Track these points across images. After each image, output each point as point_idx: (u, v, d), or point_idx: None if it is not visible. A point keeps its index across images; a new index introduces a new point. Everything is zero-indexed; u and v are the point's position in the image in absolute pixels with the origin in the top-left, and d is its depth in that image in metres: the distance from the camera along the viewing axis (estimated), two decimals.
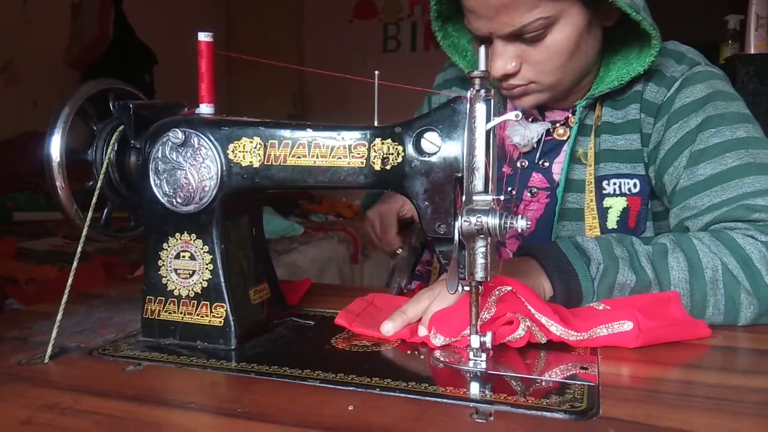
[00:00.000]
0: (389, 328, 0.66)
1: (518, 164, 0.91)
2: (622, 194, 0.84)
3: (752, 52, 2.59)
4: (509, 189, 0.91)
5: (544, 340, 0.62)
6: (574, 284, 0.69)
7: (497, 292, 0.63)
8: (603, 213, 0.83)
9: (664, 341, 0.64)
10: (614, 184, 0.84)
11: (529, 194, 0.90)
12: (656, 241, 0.74)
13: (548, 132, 0.89)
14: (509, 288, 0.63)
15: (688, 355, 0.63)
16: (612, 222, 0.83)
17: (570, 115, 0.88)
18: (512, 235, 0.90)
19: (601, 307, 0.66)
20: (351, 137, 0.59)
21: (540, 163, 0.90)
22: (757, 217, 0.73)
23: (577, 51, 0.77)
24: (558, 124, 0.89)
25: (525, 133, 0.88)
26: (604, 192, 0.83)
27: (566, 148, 0.87)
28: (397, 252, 0.86)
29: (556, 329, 0.62)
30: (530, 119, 0.91)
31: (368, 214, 1.00)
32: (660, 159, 0.82)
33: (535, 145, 0.89)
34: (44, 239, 2.33)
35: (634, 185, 0.83)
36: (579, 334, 0.62)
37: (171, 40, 4.18)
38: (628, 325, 0.62)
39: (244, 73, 4.88)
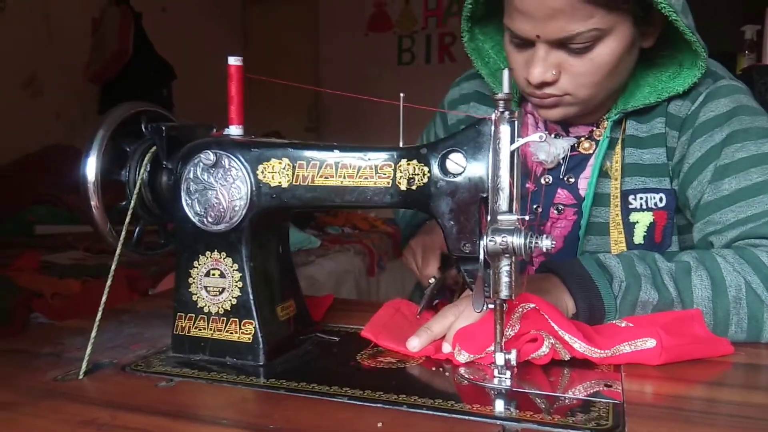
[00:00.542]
0: (415, 344, 0.67)
1: (542, 181, 0.90)
2: (648, 209, 0.83)
3: None
4: (534, 207, 0.90)
5: (567, 357, 0.63)
6: (597, 302, 0.70)
7: (521, 309, 0.64)
8: (629, 228, 0.83)
9: (686, 359, 0.64)
10: (641, 198, 0.83)
11: (555, 211, 0.89)
12: (679, 258, 0.74)
13: (573, 147, 0.88)
14: (532, 305, 0.64)
15: (711, 372, 0.64)
16: (639, 237, 0.83)
17: (594, 128, 0.88)
18: (540, 253, 0.90)
19: (623, 324, 0.67)
20: (377, 158, 0.61)
21: (565, 179, 0.89)
22: None
23: (617, 68, 0.78)
24: (583, 138, 0.89)
25: (550, 150, 0.87)
26: (630, 207, 0.83)
27: (593, 161, 0.86)
28: (430, 282, 0.85)
29: (580, 346, 0.62)
30: (553, 135, 0.90)
31: (411, 243, 0.98)
32: (684, 173, 0.81)
33: (561, 161, 0.89)
34: (66, 252, 2.37)
35: (660, 200, 0.83)
36: (602, 351, 0.62)
37: (189, 55, 4.25)
38: (651, 343, 0.62)
39: (260, 87, 4.92)
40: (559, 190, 0.89)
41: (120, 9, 3.83)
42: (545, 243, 0.53)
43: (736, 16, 3.52)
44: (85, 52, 3.79)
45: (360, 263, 2.58)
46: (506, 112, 0.56)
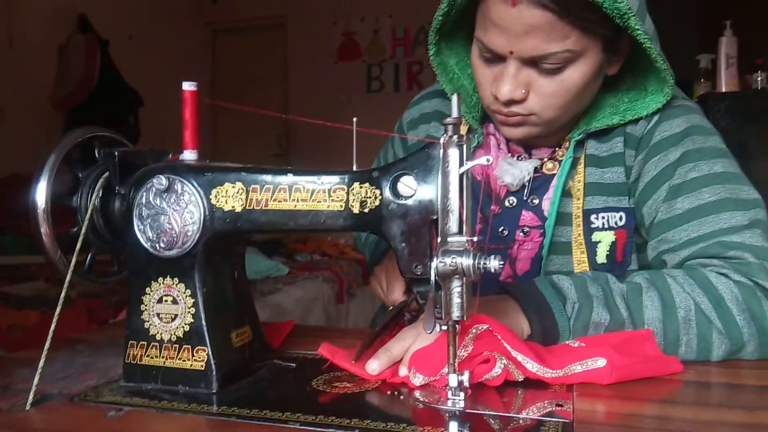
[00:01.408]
0: (375, 366, 0.67)
1: (506, 203, 0.90)
2: (610, 228, 0.84)
3: (723, 90, 2.68)
4: (501, 229, 0.90)
5: (521, 378, 0.64)
6: (551, 323, 0.70)
7: (474, 330, 0.64)
8: (592, 247, 0.84)
9: (637, 377, 0.65)
10: (602, 218, 0.84)
11: (521, 234, 0.89)
12: (631, 279, 0.75)
13: (536, 169, 0.89)
14: (486, 326, 0.64)
15: (661, 390, 0.65)
16: (602, 256, 0.84)
17: (557, 149, 0.89)
18: (508, 275, 0.90)
19: (576, 345, 0.68)
20: (330, 181, 0.61)
21: (529, 200, 0.89)
22: (732, 254, 0.75)
23: (583, 92, 0.79)
24: (546, 159, 0.89)
25: (515, 173, 0.87)
26: (593, 226, 0.84)
27: (555, 181, 0.87)
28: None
29: (532, 367, 0.63)
30: (516, 157, 0.91)
31: (376, 269, 0.98)
32: (640, 191, 0.83)
33: (525, 183, 0.89)
34: (26, 283, 2.32)
35: (620, 218, 0.84)
36: (554, 371, 0.63)
37: (156, 82, 4.23)
38: (601, 362, 0.63)
39: (229, 115, 4.94)
40: (523, 212, 0.90)
41: (86, 36, 3.82)
42: (493, 264, 0.54)
43: (692, 45, 3.65)
44: (50, 79, 3.76)
45: (329, 290, 2.57)
46: (455, 136, 0.57)
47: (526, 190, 0.90)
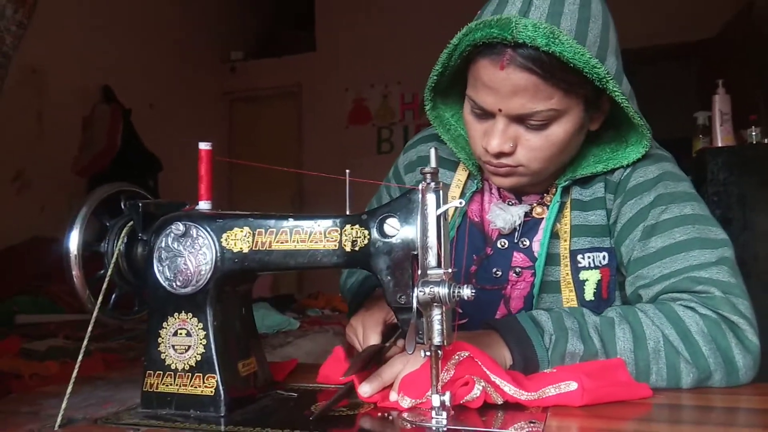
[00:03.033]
0: (366, 389, 0.73)
1: (498, 245, 0.97)
2: (595, 267, 0.90)
3: (719, 145, 2.76)
4: (494, 270, 0.97)
5: (500, 401, 0.70)
6: (531, 353, 0.77)
7: (457, 357, 0.71)
8: (580, 285, 0.90)
9: (608, 400, 0.71)
10: (588, 257, 0.90)
11: (514, 274, 0.96)
12: (606, 313, 0.82)
13: (526, 213, 0.96)
14: (467, 353, 0.71)
15: (635, 411, 0.70)
16: (589, 294, 0.90)
17: (545, 195, 0.96)
18: (503, 314, 0.96)
19: (549, 370, 0.74)
20: (325, 224, 0.70)
21: (520, 242, 0.96)
22: (700, 289, 0.81)
23: (567, 146, 0.86)
24: (535, 204, 0.97)
25: (506, 217, 0.94)
26: (580, 265, 0.90)
27: (544, 224, 0.93)
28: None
29: (509, 389, 0.69)
30: (507, 202, 0.98)
31: (352, 321, 1.01)
32: (618, 232, 0.90)
33: (516, 227, 0.96)
34: (45, 340, 2.39)
35: (604, 257, 0.90)
36: (530, 393, 0.69)
37: (175, 147, 4.42)
38: (573, 385, 0.70)
39: (245, 178, 5.11)
40: (515, 254, 0.96)
41: (110, 107, 4.02)
42: (465, 292, 0.62)
43: (691, 102, 3.78)
44: (74, 147, 3.95)
45: (339, 344, 2.61)
46: (432, 183, 0.66)
47: (517, 233, 0.96)
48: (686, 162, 3.16)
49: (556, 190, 0.93)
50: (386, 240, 0.68)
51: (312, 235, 0.70)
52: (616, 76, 0.81)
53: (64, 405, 0.68)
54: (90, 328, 0.73)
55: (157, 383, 0.74)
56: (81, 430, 0.67)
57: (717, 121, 2.83)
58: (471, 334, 0.81)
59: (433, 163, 0.67)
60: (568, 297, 0.90)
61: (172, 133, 4.57)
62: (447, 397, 0.65)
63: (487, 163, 0.88)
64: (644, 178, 0.90)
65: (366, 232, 0.69)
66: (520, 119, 0.82)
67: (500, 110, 0.82)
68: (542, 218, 0.96)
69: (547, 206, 0.95)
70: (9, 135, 3.43)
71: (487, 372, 0.70)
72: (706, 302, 0.80)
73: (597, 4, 0.81)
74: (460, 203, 0.65)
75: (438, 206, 0.65)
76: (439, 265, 0.64)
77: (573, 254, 0.91)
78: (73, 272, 0.76)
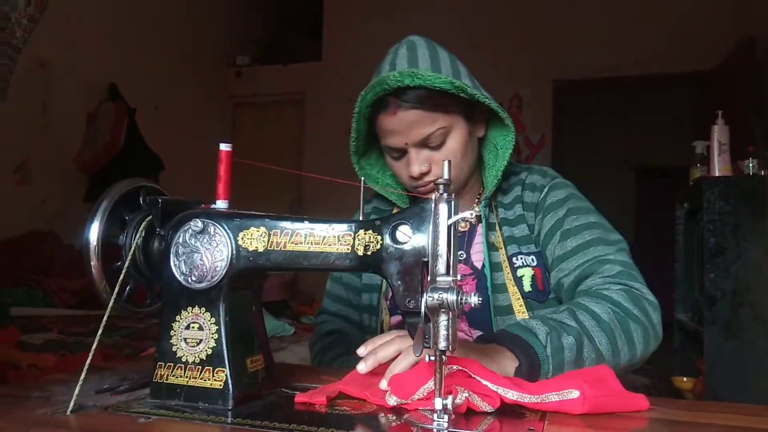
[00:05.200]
0: (362, 367, 0.80)
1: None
2: (528, 265, 1.09)
3: (717, 174, 2.80)
4: None
5: (488, 409, 0.72)
6: (532, 353, 0.84)
7: (449, 368, 0.74)
8: (519, 281, 1.07)
9: (606, 410, 0.74)
10: (521, 259, 1.09)
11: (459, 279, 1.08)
12: (560, 310, 0.94)
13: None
14: (457, 367, 0.74)
15: (630, 424, 0.72)
16: (527, 286, 1.07)
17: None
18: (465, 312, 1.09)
19: (551, 374, 0.77)
20: (340, 228, 0.73)
21: (458, 255, 1.08)
22: (607, 268, 1.00)
23: (466, 153, 1.08)
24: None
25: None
26: (516, 266, 1.09)
27: (480, 239, 1.12)
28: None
29: (512, 395, 0.72)
30: None
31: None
32: (542, 240, 1.10)
33: None
34: (40, 334, 2.40)
35: (533, 259, 1.10)
36: (532, 396, 0.72)
37: (178, 148, 4.45)
38: (575, 393, 0.72)
39: (245, 180, 5.13)
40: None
41: (115, 104, 4.05)
42: (473, 300, 0.65)
43: (689, 131, 3.83)
44: (77, 142, 3.96)
45: None
46: (445, 194, 0.69)
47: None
48: (683, 189, 3.21)
49: (479, 208, 1.13)
50: (398, 246, 0.70)
51: (326, 238, 0.73)
52: (473, 85, 1.04)
53: (77, 391, 0.70)
54: (105, 317, 0.76)
55: (168, 374, 0.76)
56: (92, 417, 0.69)
57: (715, 151, 2.87)
58: (474, 346, 0.85)
59: (446, 175, 0.70)
60: (513, 291, 1.07)
61: (175, 134, 4.59)
62: (449, 401, 0.67)
63: (417, 187, 1.08)
64: (557, 198, 1.12)
65: (379, 237, 0.71)
66: (423, 144, 1.04)
67: (407, 143, 1.04)
68: (465, 231, 1.15)
69: (470, 223, 1.07)
70: (13, 126, 3.45)
71: (486, 383, 0.73)
72: (615, 281, 0.98)
73: (443, 50, 1.07)
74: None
75: (449, 216, 0.68)
76: (447, 273, 0.67)
77: (509, 258, 1.10)
78: (92, 263, 0.78)
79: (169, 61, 4.74)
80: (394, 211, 1.22)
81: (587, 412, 0.72)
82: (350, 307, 1.23)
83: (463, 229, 1.14)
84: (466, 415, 0.72)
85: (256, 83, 5.59)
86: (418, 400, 0.73)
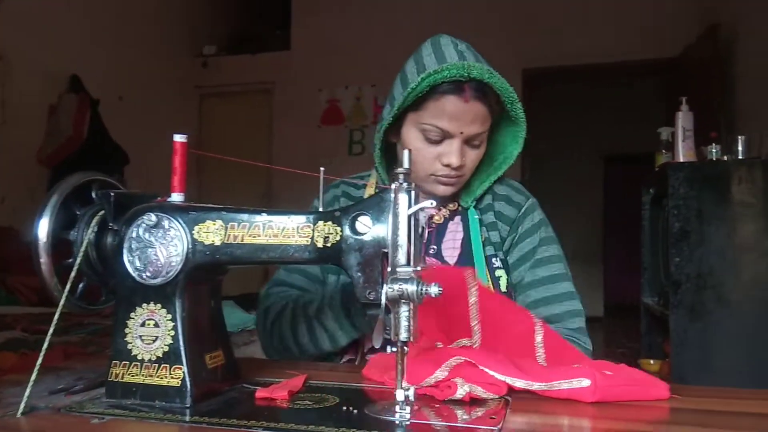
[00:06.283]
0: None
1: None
2: (501, 268, 1.10)
3: (681, 160, 2.84)
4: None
5: (489, 396, 0.73)
6: None
7: (456, 360, 0.74)
8: (496, 281, 1.08)
9: (621, 399, 0.73)
10: (496, 261, 1.10)
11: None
12: None
13: (429, 221, 1.11)
14: (464, 358, 0.74)
15: (650, 413, 0.71)
16: (503, 287, 1.08)
17: (442, 207, 1.12)
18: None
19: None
20: (298, 220, 0.71)
21: (430, 248, 1.09)
22: (571, 322, 1.07)
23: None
24: (434, 214, 1.12)
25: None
26: (494, 266, 1.09)
27: (459, 234, 1.11)
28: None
29: (520, 383, 0.73)
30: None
31: None
32: (512, 262, 1.11)
33: (426, 235, 1.10)
34: (2, 332, 2.33)
35: (502, 264, 1.11)
36: (540, 384, 0.73)
37: (143, 141, 4.36)
38: (585, 382, 0.72)
39: (214, 174, 5.07)
40: (427, 259, 1.09)
41: (78, 96, 3.94)
42: (433, 290, 0.64)
43: (658, 119, 3.87)
44: (38, 136, 3.85)
45: None
46: (405, 183, 0.67)
47: (426, 240, 1.10)
48: (649, 176, 3.25)
49: (459, 208, 1.13)
50: (358, 237, 0.69)
51: (284, 230, 0.71)
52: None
53: (27, 392, 0.68)
54: (57, 316, 0.73)
55: (123, 373, 0.73)
56: (44, 418, 0.67)
57: (680, 137, 2.92)
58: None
59: (405, 164, 0.69)
60: (490, 287, 1.06)
61: (140, 126, 4.50)
62: (411, 392, 0.67)
63: (441, 176, 1.05)
64: (531, 223, 1.13)
65: (338, 228, 0.70)
66: (470, 139, 1.02)
67: (462, 133, 1.01)
68: (436, 225, 1.12)
69: (445, 216, 1.13)
70: None
71: (493, 373, 0.72)
72: (572, 334, 1.06)
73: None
74: (432, 203, 0.67)
75: (409, 206, 0.67)
76: (408, 263, 0.66)
77: (488, 259, 1.10)
78: (41, 259, 0.75)
79: (133, 51, 4.63)
80: (367, 190, 1.19)
81: (599, 400, 0.72)
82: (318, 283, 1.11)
83: (437, 222, 1.13)
84: (427, 405, 0.71)
85: (223, 73, 5.50)
86: (426, 387, 0.74)
